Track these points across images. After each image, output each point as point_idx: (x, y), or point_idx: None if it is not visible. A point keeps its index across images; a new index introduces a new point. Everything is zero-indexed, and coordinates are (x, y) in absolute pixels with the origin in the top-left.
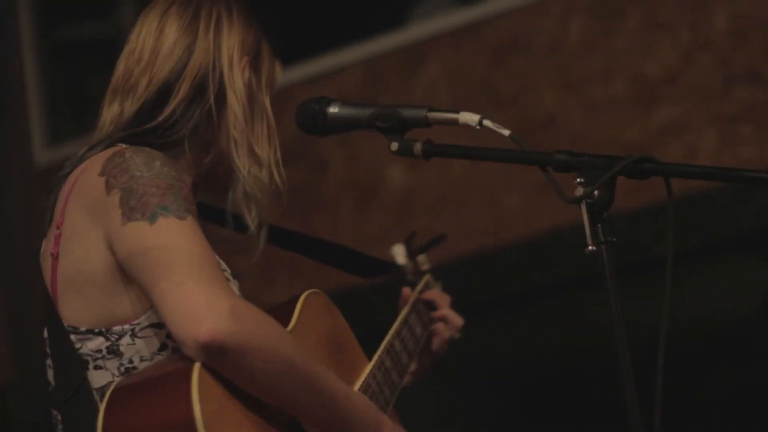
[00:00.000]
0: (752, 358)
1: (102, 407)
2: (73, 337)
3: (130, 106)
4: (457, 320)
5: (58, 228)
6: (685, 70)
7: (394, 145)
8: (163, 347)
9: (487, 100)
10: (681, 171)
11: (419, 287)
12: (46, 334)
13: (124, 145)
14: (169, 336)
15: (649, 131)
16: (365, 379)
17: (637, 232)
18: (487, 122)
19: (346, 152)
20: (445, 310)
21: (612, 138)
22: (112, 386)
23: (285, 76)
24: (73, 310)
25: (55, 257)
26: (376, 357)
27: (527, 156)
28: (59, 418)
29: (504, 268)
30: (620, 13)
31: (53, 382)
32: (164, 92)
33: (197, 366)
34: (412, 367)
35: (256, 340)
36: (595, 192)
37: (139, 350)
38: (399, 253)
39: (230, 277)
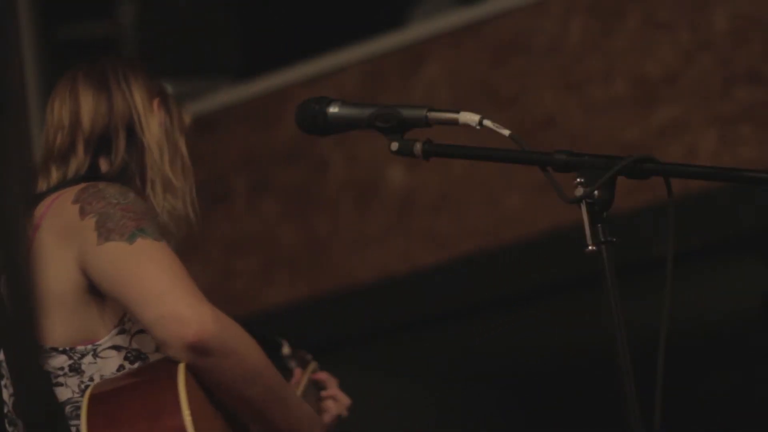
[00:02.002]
0: (752, 358)
1: (83, 413)
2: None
3: (77, 166)
4: (345, 399)
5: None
6: (685, 70)
7: (394, 145)
8: (120, 368)
9: (487, 100)
10: (681, 171)
11: (310, 368)
12: (1, 356)
13: (101, 182)
14: (126, 358)
15: (649, 131)
16: None
17: (637, 232)
18: (487, 122)
19: (346, 152)
20: (335, 389)
21: (612, 138)
22: (88, 393)
23: (285, 76)
24: (50, 329)
25: None
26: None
27: (527, 156)
28: None
29: (504, 268)
30: (620, 13)
31: (10, 402)
32: (106, 145)
33: (182, 368)
34: None
35: (234, 344)
36: (595, 192)
37: (100, 369)
38: (285, 346)
39: None
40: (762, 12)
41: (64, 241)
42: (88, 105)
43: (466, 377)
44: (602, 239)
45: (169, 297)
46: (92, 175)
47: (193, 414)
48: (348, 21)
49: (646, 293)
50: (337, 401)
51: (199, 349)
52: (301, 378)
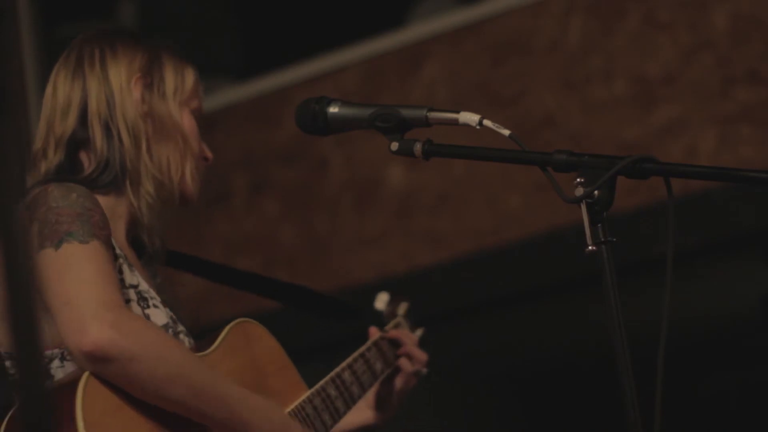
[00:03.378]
0: (752, 358)
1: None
2: (7, 362)
3: (46, 167)
4: (422, 356)
5: None
6: (685, 70)
7: (394, 145)
8: None
9: (487, 100)
10: (681, 171)
11: (388, 327)
12: None
13: (53, 183)
14: None
15: (649, 131)
16: (300, 403)
17: (637, 232)
18: (487, 122)
19: (346, 152)
20: (410, 347)
21: (612, 138)
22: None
23: (285, 76)
24: (6, 336)
25: None
26: (318, 385)
27: (527, 156)
28: None
29: (504, 268)
30: (620, 13)
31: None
32: (73, 147)
33: (86, 375)
34: (369, 401)
35: (138, 348)
36: (595, 192)
37: (67, 372)
38: (381, 300)
39: (159, 305)
40: (762, 12)
41: None
42: (62, 100)
43: (466, 377)
44: (602, 239)
45: (73, 305)
46: (58, 176)
47: (95, 423)
48: (348, 21)
49: (646, 293)
50: (412, 359)
51: (96, 357)
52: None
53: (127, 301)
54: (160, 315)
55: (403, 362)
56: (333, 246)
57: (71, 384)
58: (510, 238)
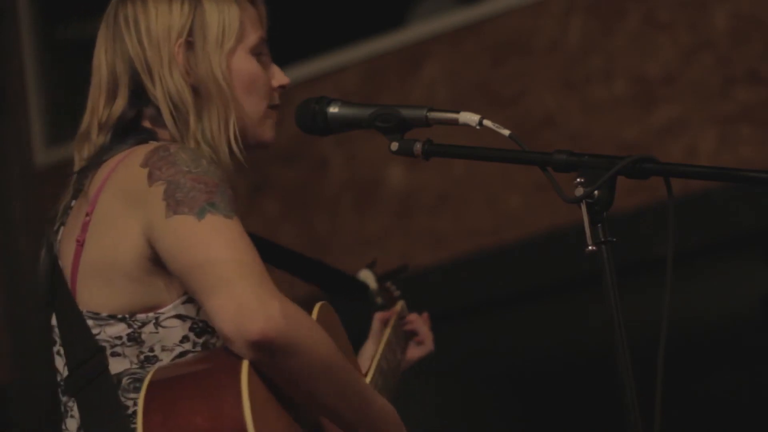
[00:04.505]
0: (752, 358)
1: (141, 402)
2: (91, 322)
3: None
4: (430, 339)
5: (87, 215)
6: (685, 70)
7: (394, 145)
8: (184, 339)
9: (487, 100)
10: (681, 171)
11: (397, 310)
12: (54, 321)
13: (166, 141)
14: (192, 329)
15: (649, 131)
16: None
17: (637, 232)
18: (487, 122)
19: (346, 152)
20: (424, 330)
21: (612, 138)
22: (148, 378)
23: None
24: (95, 295)
25: (81, 244)
26: (370, 375)
27: (527, 156)
28: (72, 406)
29: (504, 269)
30: (620, 13)
31: (64, 371)
32: (121, 127)
33: (245, 364)
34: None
35: (303, 340)
36: (595, 192)
37: (161, 339)
38: (369, 278)
39: None
40: (762, 12)
41: (130, 207)
42: (106, 73)
43: (466, 377)
44: (602, 239)
45: (236, 286)
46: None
47: (254, 414)
48: (348, 21)
49: (646, 293)
50: (421, 344)
51: (262, 347)
52: (388, 322)
53: None
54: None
55: (414, 346)
56: (333, 246)
57: (230, 367)
58: (510, 238)
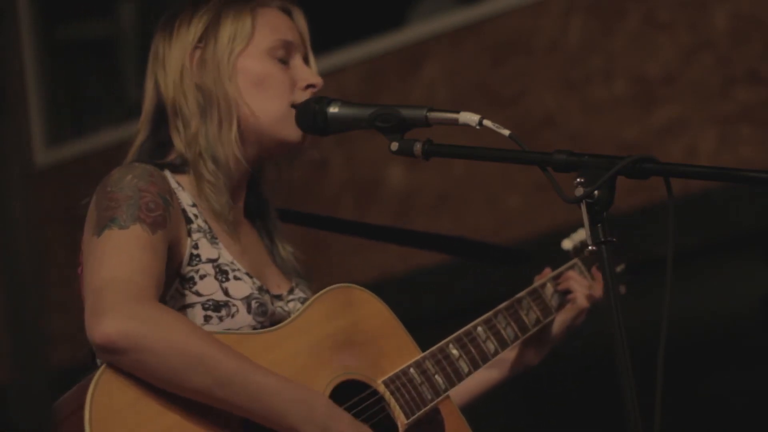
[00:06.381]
0: (752, 358)
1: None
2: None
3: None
4: (583, 290)
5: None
6: (685, 70)
7: (394, 145)
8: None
9: (487, 100)
10: (681, 171)
11: (558, 271)
12: None
13: (121, 166)
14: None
15: (649, 131)
16: (404, 368)
17: (637, 232)
18: (487, 122)
19: (346, 152)
20: (573, 283)
21: (612, 138)
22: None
23: None
24: None
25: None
26: (436, 346)
27: (527, 156)
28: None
29: (504, 268)
30: (620, 13)
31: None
32: (154, 142)
33: (102, 367)
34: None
35: (151, 339)
36: (595, 192)
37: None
38: (574, 238)
39: (242, 276)
40: (762, 12)
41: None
42: (147, 91)
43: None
44: (602, 239)
45: (96, 295)
46: (140, 158)
47: (102, 419)
48: (348, 21)
49: (646, 293)
50: (574, 302)
51: (106, 349)
52: (540, 279)
53: (202, 276)
54: (242, 287)
55: (578, 296)
56: (333, 246)
57: (89, 378)
58: (510, 238)
